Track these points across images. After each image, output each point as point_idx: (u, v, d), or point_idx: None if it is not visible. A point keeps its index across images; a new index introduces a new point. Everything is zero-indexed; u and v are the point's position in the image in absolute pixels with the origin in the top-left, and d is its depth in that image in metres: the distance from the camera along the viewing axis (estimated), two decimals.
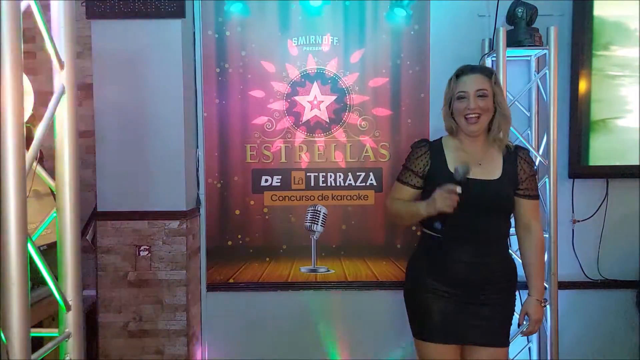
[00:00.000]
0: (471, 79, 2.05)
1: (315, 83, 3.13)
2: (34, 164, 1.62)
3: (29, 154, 1.55)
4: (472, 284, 2.03)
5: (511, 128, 2.88)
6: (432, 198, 1.91)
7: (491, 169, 2.07)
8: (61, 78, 1.75)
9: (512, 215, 2.16)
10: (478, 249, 2.02)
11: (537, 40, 2.82)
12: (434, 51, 3.12)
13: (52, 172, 1.81)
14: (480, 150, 2.10)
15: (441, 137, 2.18)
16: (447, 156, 2.09)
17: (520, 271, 2.17)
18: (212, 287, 3.19)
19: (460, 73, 2.09)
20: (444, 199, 1.87)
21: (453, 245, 2.03)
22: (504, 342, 2.09)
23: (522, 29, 2.82)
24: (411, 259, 2.21)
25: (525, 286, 2.17)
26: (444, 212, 1.88)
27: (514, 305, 2.15)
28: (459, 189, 1.86)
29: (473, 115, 2.03)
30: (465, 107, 2.03)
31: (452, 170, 1.98)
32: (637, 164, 3.01)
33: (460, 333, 2.04)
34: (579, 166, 3.04)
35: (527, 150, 2.18)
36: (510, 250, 2.19)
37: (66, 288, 1.76)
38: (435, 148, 2.12)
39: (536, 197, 2.13)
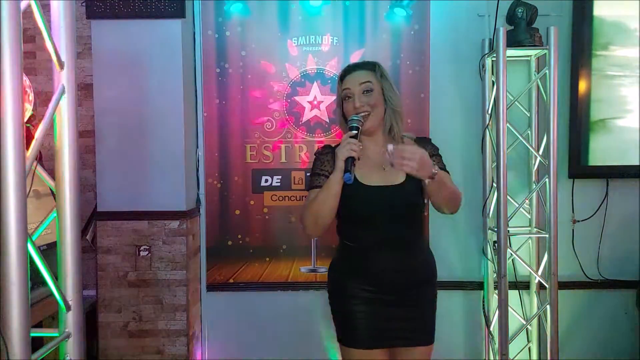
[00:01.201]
0: (354, 76, 1.98)
1: (315, 83, 3.13)
2: (34, 164, 1.62)
3: (29, 154, 1.55)
4: (395, 287, 1.96)
5: (511, 128, 2.91)
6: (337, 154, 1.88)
7: (396, 172, 1.94)
8: (61, 78, 1.75)
9: (423, 209, 2.08)
10: (396, 252, 1.95)
11: (537, 40, 2.82)
12: (434, 51, 3.12)
13: (52, 172, 1.82)
14: (382, 152, 1.98)
15: (329, 144, 2.12)
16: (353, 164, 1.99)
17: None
18: (212, 287, 3.19)
19: (344, 74, 2.02)
20: (345, 146, 1.85)
21: (371, 252, 1.97)
22: (431, 339, 2.03)
23: (522, 29, 2.82)
24: (331, 264, 2.14)
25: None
26: (351, 159, 1.84)
27: (436, 301, 2.08)
28: (354, 132, 1.88)
29: (363, 114, 1.94)
30: (353, 107, 1.96)
31: (357, 178, 1.94)
32: (637, 164, 3.01)
33: (386, 337, 1.98)
34: (579, 166, 3.04)
35: (428, 139, 2.10)
36: (429, 246, 2.16)
37: (66, 288, 1.76)
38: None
39: (443, 169, 2.01)
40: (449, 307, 3.13)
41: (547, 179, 2.86)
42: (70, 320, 1.77)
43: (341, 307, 2.04)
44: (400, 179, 1.97)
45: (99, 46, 2.92)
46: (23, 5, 1.54)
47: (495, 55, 2.84)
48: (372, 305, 1.97)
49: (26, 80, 1.97)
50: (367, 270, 1.98)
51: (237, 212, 3.16)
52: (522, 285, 3.13)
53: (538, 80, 2.97)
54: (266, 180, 3.16)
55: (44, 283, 1.71)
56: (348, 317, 2.00)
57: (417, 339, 2.00)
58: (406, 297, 1.98)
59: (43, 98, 3.02)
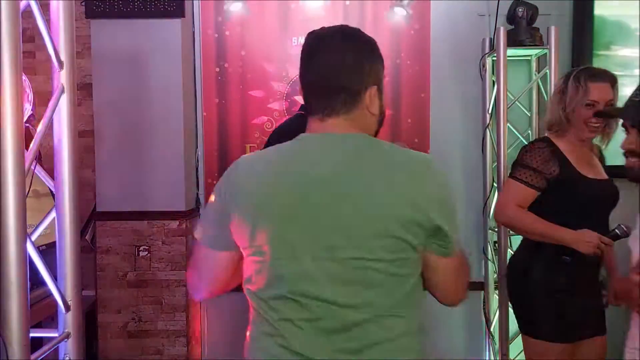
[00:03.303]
0: (603, 89, 2.01)
1: None
2: (34, 164, 1.62)
3: (29, 154, 1.55)
4: (590, 279, 2.07)
5: (512, 128, 2.90)
6: (581, 236, 1.94)
7: (599, 170, 2.09)
8: (61, 78, 1.74)
9: None
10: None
11: (537, 40, 2.82)
12: (434, 51, 3.12)
13: (51, 172, 1.81)
14: (588, 151, 2.10)
15: (546, 137, 2.11)
16: (569, 159, 2.04)
17: None
18: None
19: (593, 78, 2.02)
20: (590, 246, 1.93)
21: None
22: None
23: (522, 29, 2.82)
24: (526, 258, 2.13)
25: None
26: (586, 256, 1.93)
27: None
28: (611, 243, 1.96)
29: (597, 125, 2.01)
30: (590, 117, 2.00)
31: (582, 173, 2.01)
32: None
33: (581, 329, 2.06)
34: None
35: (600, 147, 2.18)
36: None
37: (65, 288, 1.76)
38: (555, 149, 2.04)
39: None
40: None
41: None
42: (70, 321, 1.77)
43: (548, 302, 2.04)
44: (605, 174, 2.11)
45: (98, 46, 2.91)
46: (23, 5, 1.54)
47: (495, 55, 2.84)
48: (574, 297, 2.02)
49: (26, 80, 1.96)
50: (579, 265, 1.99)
51: None
52: None
53: (539, 79, 2.97)
54: None
55: (43, 283, 1.70)
56: (557, 313, 2.02)
57: (602, 328, 2.12)
58: (596, 286, 2.09)
59: (43, 98, 3.02)
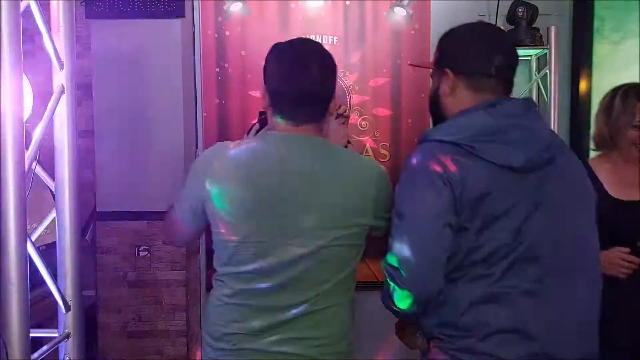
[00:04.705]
0: None
1: None
2: (34, 164, 1.62)
3: (29, 154, 1.55)
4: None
5: None
6: (605, 258, 1.62)
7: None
8: (61, 78, 1.75)
9: None
10: None
11: (537, 40, 2.82)
12: (434, 51, 3.11)
13: (51, 172, 1.81)
14: (633, 172, 1.93)
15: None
16: (605, 181, 1.92)
17: None
18: (211, 287, 3.18)
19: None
20: (614, 267, 1.77)
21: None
22: None
23: (522, 29, 2.82)
24: None
25: None
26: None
27: None
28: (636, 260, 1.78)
29: None
30: (638, 138, 1.89)
31: (618, 197, 1.87)
32: None
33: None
34: None
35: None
36: None
37: (65, 288, 1.76)
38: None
39: None
40: None
41: None
42: (70, 321, 1.77)
43: None
44: None
45: (98, 46, 2.91)
46: (23, 5, 1.54)
47: None
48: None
49: (26, 80, 1.97)
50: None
51: None
52: None
53: (539, 80, 2.97)
54: None
55: (43, 283, 1.70)
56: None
57: None
58: None
59: (43, 98, 3.02)
